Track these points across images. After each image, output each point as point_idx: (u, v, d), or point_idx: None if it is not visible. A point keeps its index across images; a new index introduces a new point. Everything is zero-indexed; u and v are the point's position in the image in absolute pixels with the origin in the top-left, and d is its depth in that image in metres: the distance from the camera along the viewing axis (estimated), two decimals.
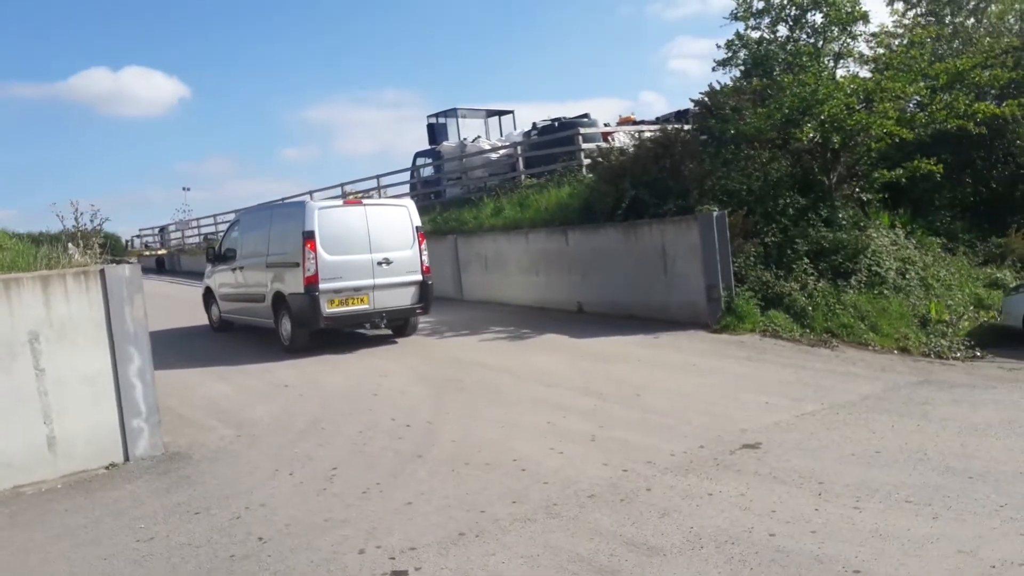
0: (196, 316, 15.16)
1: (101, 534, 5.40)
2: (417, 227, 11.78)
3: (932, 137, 13.83)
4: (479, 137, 23.26)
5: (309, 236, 10.82)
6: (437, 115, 25.86)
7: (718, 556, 4.52)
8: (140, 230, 41.89)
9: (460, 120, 25.74)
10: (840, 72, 14.08)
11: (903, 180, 13.36)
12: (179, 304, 17.99)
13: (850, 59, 14.25)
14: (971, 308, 11.81)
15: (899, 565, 4.29)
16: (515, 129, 24.45)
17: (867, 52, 14.27)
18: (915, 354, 10.20)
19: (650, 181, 12.92)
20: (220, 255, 13.73)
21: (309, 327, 11.15)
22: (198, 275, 27.33)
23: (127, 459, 6.92)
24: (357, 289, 11.14)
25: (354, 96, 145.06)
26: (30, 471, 6.44)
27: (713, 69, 14.79)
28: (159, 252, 35.84)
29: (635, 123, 20.26)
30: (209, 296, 14.34)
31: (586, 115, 19.62)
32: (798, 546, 4.58)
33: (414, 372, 9.89)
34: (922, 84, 13.13)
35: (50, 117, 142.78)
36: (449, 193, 21.29)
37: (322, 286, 10.82)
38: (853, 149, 13.33)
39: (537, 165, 18.23)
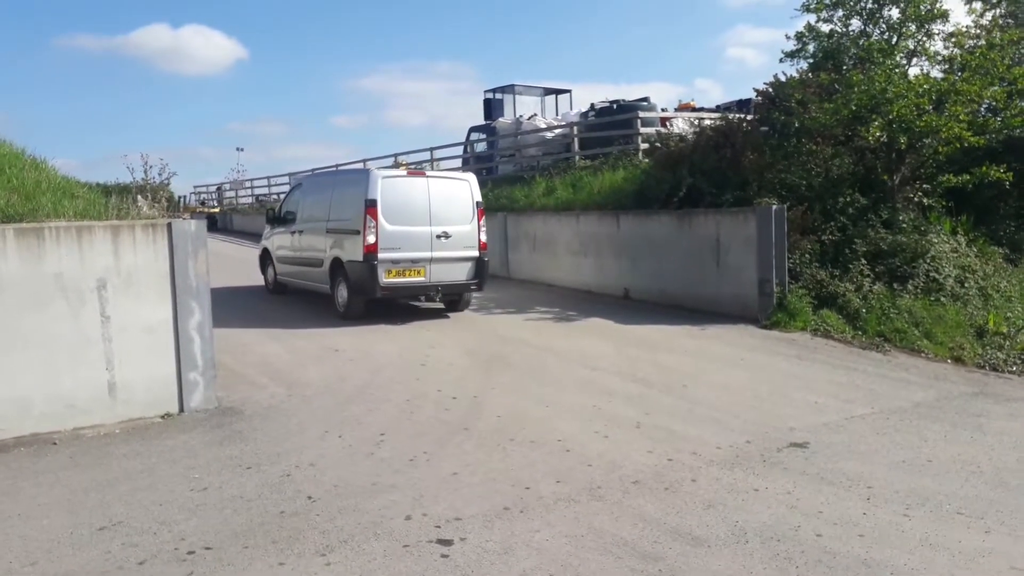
0: (251, 276, 15.37)
1: (156, 480, 5.58)
2: (477, 202, 11.72)
3: (1002, 143, 13.38)
4: (535, 115, 23.12)
5: (371, 204, 10.81)
6: (494, 90, 25.81)
7: (764, 552, 4.51)
8: (195, 187, 42.71)
9: (516, 97, 25.67)
10: (913, 71, 13.68)
11: (969, 186, 12.98)
12: (235, 263, 18.32)
13: (924, 58, 13.81)
14: None
15: None
16: (571, 109, 24.28)
17: (942, 52, 13.78)
18: (969, 364, 9.97)
19: (708, 170, 12.75)
20: (279, 217, 13.88)
21: (365, 295, 11.18)
22: (250, 235, 27.91)
23: (182, 410, 7.11)
24: (415, 261, 11.13)
25: (407, 66, 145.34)
26: (90, 414, 6.67)
27: (780, 60, 14.47)
28: (213, 210, 36.47)
29: (694, 110, 19.95)
30: (266, 258, 14.45)
31: (646, 99, 19.38)
32: (845, 549, 4.55)
33: (461, 346, 9.97)
34: (998, 88, 12.69)
35: (110, 70, 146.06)
36: (501, 170, 21.28)
37: (381, 255, 10.82)
38: (919, 151, 12.98)
39: (592, 147, 18.11)
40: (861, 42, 13.54)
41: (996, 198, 14.30)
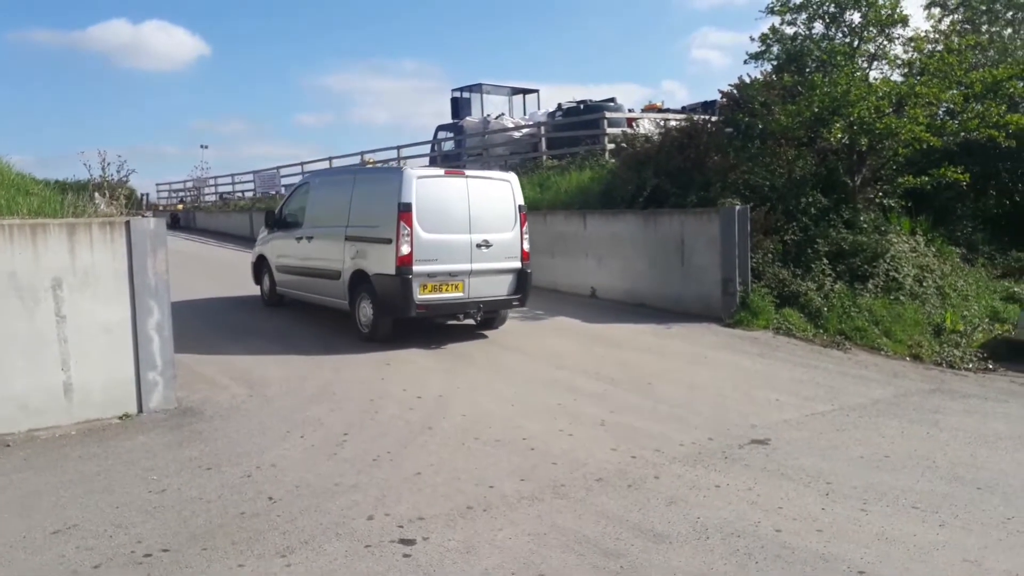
0: (238, 284, 13.92)
1: (113, 482, 5.48)
2: (520, 206, 10.31)
3: (960, 146, 13.68)
4: (503, 114, 23.17)
5: (405, 209, 9.28)
6: (461, 89, 25.78)
7: (724, 547, 4.55)
8: (157, 185, 41.98)
9: (484, 96, 25.68)
10: (873, 74, 13.93)
11: (927, 187, 13.24)
12: (218, 268, 17.93)
13: (884, 61, 14.07)
14: (986, 320, 11.71)
15: (904, 570, 4.32)
16: (539, 109, 24.35)
17: (902, 56, 14.05)
18: (927, 362, 10.16)
19: (673, 171, 12.86)
20: (280, 220, 12.11)
21: (397, 314, 9.65)
22: (215, 234, 27.55)
23: (140, 411, 6.99)
24: (452, 274, 9.67)
25: (373, 64, 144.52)
26: (45, 416, 6.53)
27: (745, 62, 14.65)
28: (176, 207, 35.89)
29: (660, 111, 20.12)
30: (261, 265, 12.66)
31: (612, 99, 19.53)
32: (804, 544, 4.61)
33: (425, 345, 9.93)
34: (956, 91, 12.97)
35: (67, 66, 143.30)
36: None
37: (416, 268, 9.34)
38: (880, 153, 13.21)
39: (560, 147, 18.18)
40: (824, 45, 13.74)
41: (954, 199, 14.63)
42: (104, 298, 6.77)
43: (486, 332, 10.66)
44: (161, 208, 36.75)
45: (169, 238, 7.39)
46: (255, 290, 12.99)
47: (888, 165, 13.52)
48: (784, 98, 13.05)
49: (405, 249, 9.27)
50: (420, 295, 9.42)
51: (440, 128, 23.56)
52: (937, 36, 15.54)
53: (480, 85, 25.58)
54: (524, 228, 10.26)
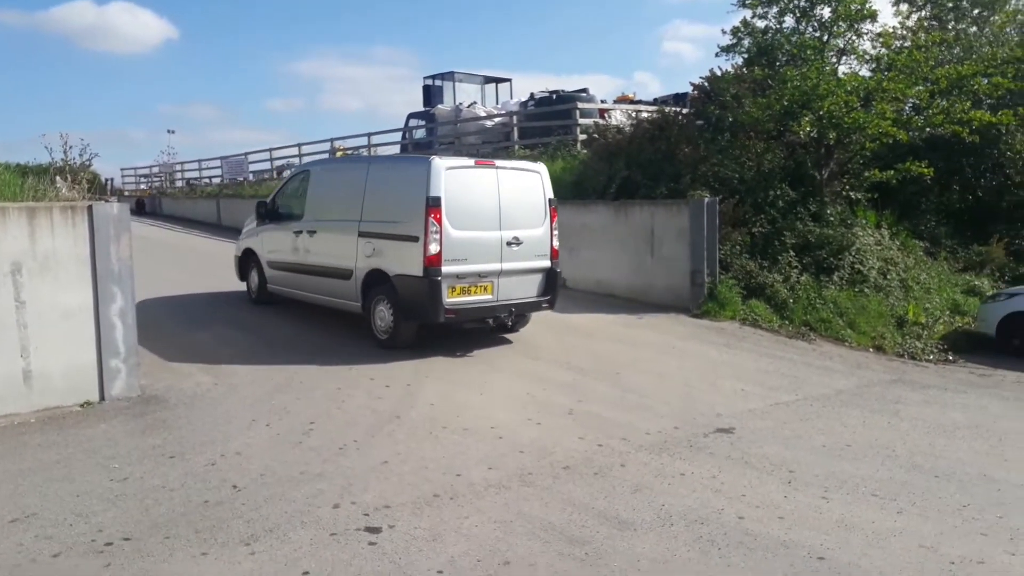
0: (216, 275, 12.84)
1: (74, 471, 5.39)
2: (550, 200, 9.47)
3: (925, 141, 13.92)
4: (475, 103, 23.09)
5: (435, 204, 8.35)
6: (433, 77, 25.61)
7: (687, 534, 4.61)
8: (122, 169, 41.22)
9: (456, 84, 25.52)
10: (842, 69, 14.10)
11: (893, 181, 13.45)
12: (197, 258, 17.60)
13: (853, 56, 14.24)
14: (947, 313, 11.96)
15: (862, 555, 4.40)
16: (511, 98, 24.28)
17: (871, 51, 14.24)
18: (890, 353, 10.36)
19: (644, 162, 12.92)
20: (272, 212, 11.00)
21: (422, 319, 8.81)
22: (181, 220, 27.12)
23: (102, 398, 6.88)
24: (481, 275, 8.82)
25: (344, 50, 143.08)
26: (3, 403, 6.40)
27: (716, 55, 14.74)
28: (145, 193, 35.25)
29: (632, 102, 20.19)
30: (249, 260, 11.51)
31: (585, 90, 19.54)
32: (766, 530, 4.68)
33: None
34: (922, 87, 13.17)
35: (30, 47, 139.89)
36: None
37: (444, 268, 8.48)
38: (847, 147, 13.38)
39: (532, 136, 18.16)
40: (794, 39, 13.87)
41: (918, 194, 14.87)
42: (65, 284, 6.64)
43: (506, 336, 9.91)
44: (126, 193, 36.09)
45: (136, 225, 7.26)
46: (235, 284, 12.07)
47: (855, 159, 13.71)
48: (754, 91, 13.16)
49: (434, 248, 8.38)
50: (448, 298, 8.57)
51: (411, 116, 23.41)
52: (905, 32, 15.77)
53: (452, 73, 25.42)
54: (554, 223, 9.47)
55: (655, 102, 19.80)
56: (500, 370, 8.38)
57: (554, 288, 9.46)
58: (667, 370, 8.64)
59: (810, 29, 14.12)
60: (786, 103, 12.43)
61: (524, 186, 9.28)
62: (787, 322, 11.05)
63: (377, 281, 9.01)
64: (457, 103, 22.85)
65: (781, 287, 11.54)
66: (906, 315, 11.44)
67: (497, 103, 24.48)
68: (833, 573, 4.19)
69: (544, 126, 17.98)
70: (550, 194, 9.50)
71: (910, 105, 14.20)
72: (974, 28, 20.44)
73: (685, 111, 14.41)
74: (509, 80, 26.74)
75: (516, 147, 18.05)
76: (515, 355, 9.04)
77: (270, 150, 27.04)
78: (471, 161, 9.47)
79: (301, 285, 10.29)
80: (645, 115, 14.88)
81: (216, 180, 30.05)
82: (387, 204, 8.99)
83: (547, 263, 9.37)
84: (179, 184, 34.41)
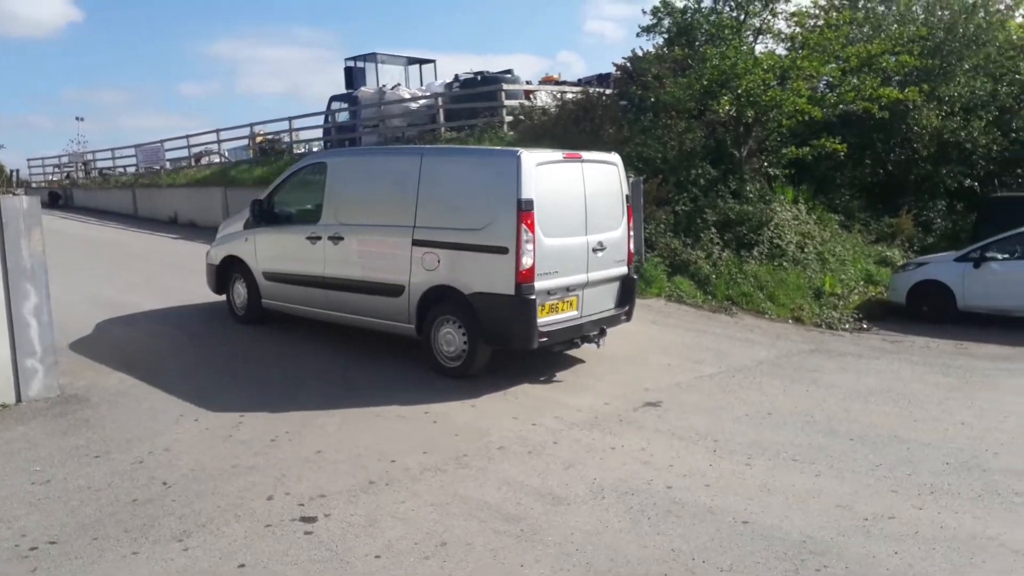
0: (174, 286, 11.10)
1: None
2: (627, 196, 8.40)
3: (838, 118, 14.45)
4: (399, 85, 22.80)
5: (527, 207, 6.95)
6: (355, 59, 25.14)
7: (619, 506, 4.76)
8: (29, 160, 39.31)
9: (379, 66, 25.11)
10: (759, 48, 14.49)
11: (809, 157, 13.94)
12: (142, 260, 16.90)
13: (769, 36, 14.65)
14: (861, 283, 12.51)
15: (783, 517, 4.62)
16: (436, 80, 24.08)
17: (786, 30, 14.69)
18: (808, 324, 10.78)
19: (570, 143, 12.96)
20: (268, 213, 9.10)
21: (509, 345, 7.45)
22: (95, 212, 26.06)
23: (19, 400, 6.63)
24: (569, 289, 7.54)
25: (262, 31, 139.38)
26: None
27: (637, 35, 15.01)
28: (54, 184, 33.72)
29: (558, 83, 20.28)
30: (231, 270, 9.54)
31: (510, 71, 19.52)
32: (693, 498, 4.87)
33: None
34: (834, 65, 13.65)
35: None
36: (365, 141, 20.83)
37: (537, 284, 7.15)
38: (765, 124, 13.79)
39: (458, 118, 18.06)
40: (712, 19, 14.19)
41: (833, 169, 15.45)
42: None
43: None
44: (34, 185, 34.45)
45: (55, 220, 6.98)
46: (198, 295, 10.38)
47: (772, 136, 14.14)
48: (675, 71, 13.43)
49: (527, 261, 7.00)
50: (539, 318, 7.23)
51: (334, 99, 22.94)
52: (818, 12, 16.27)
53: (375, 55, 25.02)
54: (631, 223, 8.44)
55: (580, 83, 19.95)
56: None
57: (631, 298, 8.36)
58: (596, 348, 8.78)
59: (727, 9, 14.46)
60: (706, 83, 12.72)
61: (605, 181, 8.08)
62: (710, 297, 11.37)
63: (441, 299, 7.51)
64: (381, 85, 22.51)
65: (704, 263, 11.85)
66: (823, 287, 11.91)
67: (422, 85, 24.24)
68: (756, 535, 4.39)
69: (470, 108, 17.91)
70: (627, 189, 8.43)
71: (824, 83, 14.70)
72: (882, 7, 21.23)
73: (609, 92, 14.59)
74: (433, 61, 26.51)
75: (443, 129, 17.96)
76: None
77: (187, 136, 26.17)
78: (560, 154, 7.84)
79: (318, 301, 8.51)
80: (570, 96, 15.00)
81: (131, 169, 28.95)
82: (456, 206, 7.44)
83: (624, 269, 8.26)
84: (92, 174, 33.04)
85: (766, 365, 8.40)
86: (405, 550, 4.23)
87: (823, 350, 9.32)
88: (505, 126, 16.14)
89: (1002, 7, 17.58)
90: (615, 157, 8.42)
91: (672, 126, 13.46)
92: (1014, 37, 17.15)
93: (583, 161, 7.90)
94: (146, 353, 8.23)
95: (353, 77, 24.31)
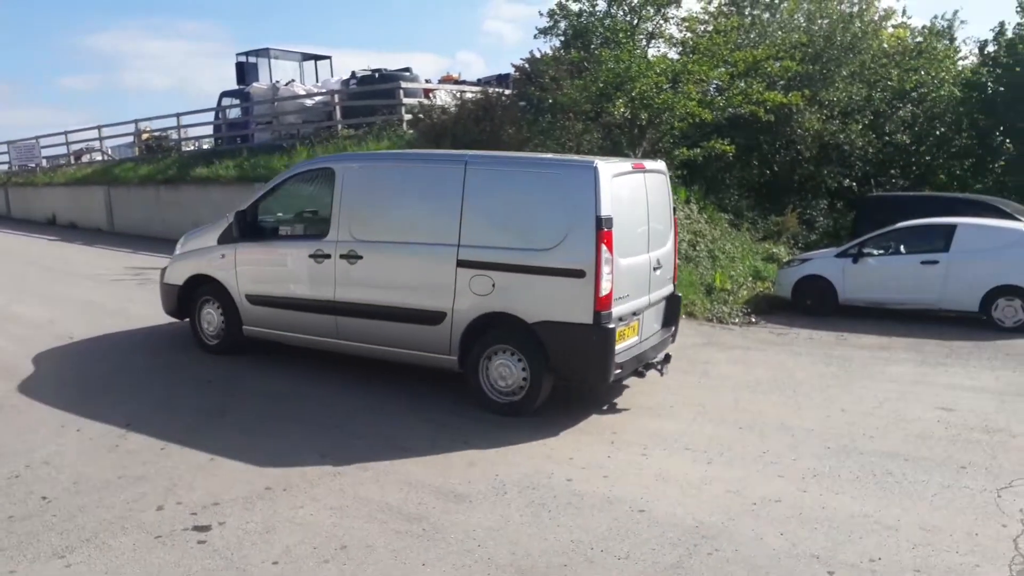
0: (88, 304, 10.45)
1: None
2: (673, 208, 7.84)
3: (727, 120, 15.04)
4: (293, 81, 22.25)
5: (607, 225, 6.09)
6: (247, 54, 24.33)
7: (520, 500, 4.82)
8: None
9: (272, 61, 24.40)
10: (651, 52, 14.91)
11: (700, 159, 14.45)
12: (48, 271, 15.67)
13: (661, 40, 15.10)
14: (750, 279, 13.05)
15: (677, 504, 4.80)
16: (332, 77, 23.63)
17: (677, 35, 15.21)
18: (700, 319, 11.17)
19: (470, 142, 13.04)
20: (255, 226, 7.82)
21: (583, 380, 6.86)
22: None
23: None
24: (635, 313, 6.76)
25: (148, 23, 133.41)
26: None
27: (535, 36, 15.18)
28: None
29: (457, 82, 20.29)
30: (197, 291, 8.15)
31: (408, 69, 19.40)
32: (592, 489, 4.99)
33: None
34: (723, 70, 14.20)
35: None
36: (258, 138, 20.24)
37: (614, 310, 6.30)
38: (658, 126, 14.19)
39: (356, 116, 17.81)
40: (607, 22, 14.51)
41: (722, 169, 16.10)
42: None
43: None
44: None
45: None
46: (132, 320, 9.42)
47: (665, 138, 14.57)
48: (572, 73, 13.65)
49: (607, 286, 6.13)
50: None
51: (225, 95, 22.16)
52: (707, 17, 16.91)
53: (268, 50, 24.28)
54: (676, 237, 7.85)
55: (479, 83, 20.03)
56: (324, 365, 8.24)
57: (676, 317, 7.78)
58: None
59: (621, 13, 14.81)
60: (601, 85, 12.99)
61: (660, 192, 7.39)
62: None
63: (493, 326, 6.57)
64: (274, 81, 21.91)
65: None
66: (714, 283, 12.37)
67: (317, 81, 23.72)
68: (652, 523, 4.54)
69: (369, 105, 17.68)
70: (672, 200, 7.77)
71: (713, 86, 15.27)
72: (767, 14, 22.27)
73: (508, 92, 14.71)
74: (329, 58, 25.94)
75: (340, 127, 17.68)
76: None
77: (65, 133, 24.78)
78: (629, 164, 7.07)
79: (324, 330, 7.32)
80: (470, 96, 15.04)
81: (3, 167, 27.16)
82: (513, 222, 6.51)
83: (671, 287, 7.66)
84: None
85: None
86: (304, 555, 4.15)
87: (714, 343, 9.69)
88: (404, 124, 16.04)
89: (876, 18, 18.78)
90: (663, 165, 7.76)
91: (570, 127, 13.69)
92: (886, 46, 18.35)
93: (645, 171, 7.16)
94: (16, 360, 7.75)
95: (245, 72, 23.51)
